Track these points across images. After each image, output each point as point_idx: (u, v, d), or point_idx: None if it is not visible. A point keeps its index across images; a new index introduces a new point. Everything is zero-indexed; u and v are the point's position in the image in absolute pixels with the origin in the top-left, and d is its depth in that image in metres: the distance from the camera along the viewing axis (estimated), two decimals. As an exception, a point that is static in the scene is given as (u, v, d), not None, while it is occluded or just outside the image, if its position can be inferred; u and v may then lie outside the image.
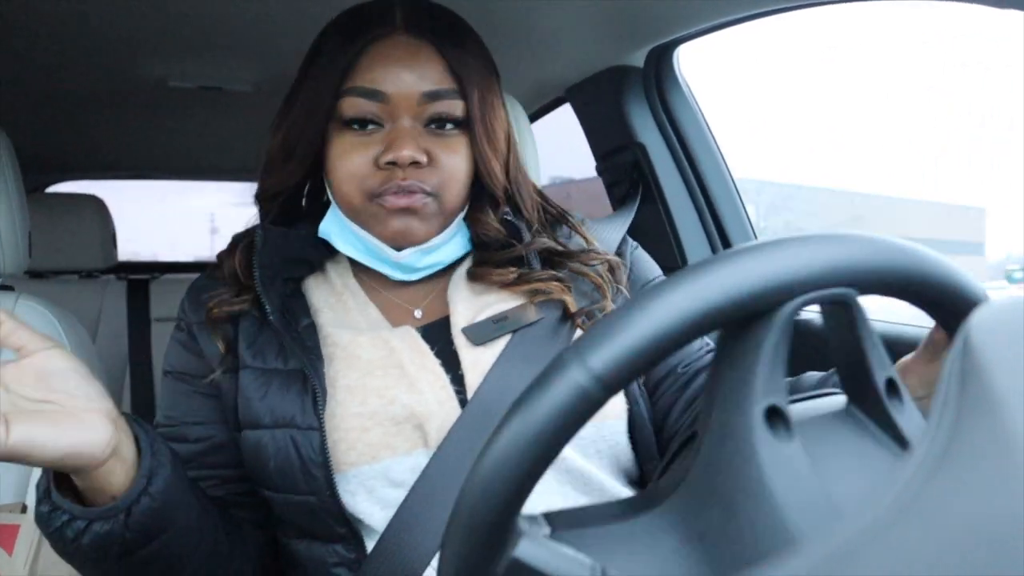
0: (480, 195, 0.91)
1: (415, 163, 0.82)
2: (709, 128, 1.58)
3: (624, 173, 1.60)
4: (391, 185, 0.83)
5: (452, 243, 0.91)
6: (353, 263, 0.94)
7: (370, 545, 0.82)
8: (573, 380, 0.40)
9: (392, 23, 0.85)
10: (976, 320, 0.32)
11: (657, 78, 1.55)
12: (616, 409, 0.88)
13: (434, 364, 0.85)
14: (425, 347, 0.86)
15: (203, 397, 0.89)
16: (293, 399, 0.82)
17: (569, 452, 0.83)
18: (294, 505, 0.82)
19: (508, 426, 0.41)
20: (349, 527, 0.82)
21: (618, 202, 1.64)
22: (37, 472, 1.13)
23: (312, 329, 0.87)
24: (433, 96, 0.84)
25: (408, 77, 0.84)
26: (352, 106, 0.84)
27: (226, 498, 0.87)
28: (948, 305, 0.47)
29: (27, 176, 1.30)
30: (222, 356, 0.87)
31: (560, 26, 1.38)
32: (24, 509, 1.08)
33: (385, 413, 0.81)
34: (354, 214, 0.87)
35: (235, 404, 0.86)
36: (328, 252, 0.94)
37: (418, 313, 0.92)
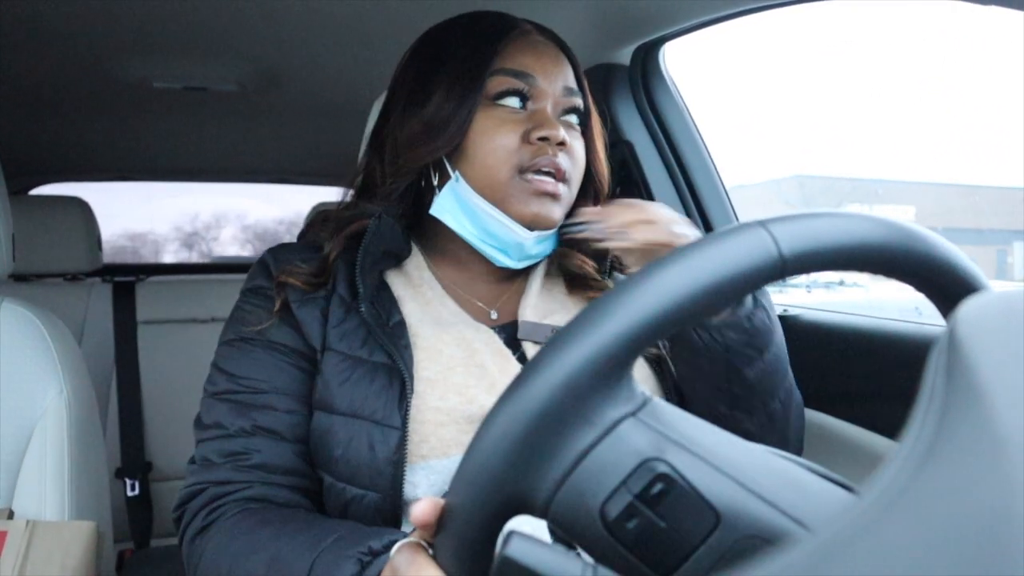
0: (585, 191, 0.98)
1: (562, 143, 0.88)
2: (696, 125, 1.58)
3: (612, 172, 1.60)
4: (543, 160, 0.87)
5: (553, 236, 0.95)
6: (428, 257, 0.97)
7: None
8: (764, 243, 0.41)
9: (525, 25, 0.95)
10: (962, 314, 0.33)
11: (643, 76, 1.55)
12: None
13: (516, 369, 0.86)
14: (507, 352, 0.88)
15: (295, 370, 0.88)
16: (376, 392, 0.82)
17: None
18: (350, 496, 0.82)
19: (689, 256, 0.42)
20: (396, 528, 0.81)
21: (605, 200, 1.64)
22: (26, 477, 1.12)
23: (402, 325, 0.87)
24: (570, 91, 0.93)
25: (552, 70, 0.92)
26: (504, 83, 0.89)
27: (303, 470, 0.86)
28: (948, 289, 0.47)
29: (10, 178, 1.29)
30: (323, 335, 0.87)
31: (545, 25, 1.38)
32: (11, 515, 1.07)
33: (463, 411, 0.82)
34: (492, 190, 0.89)
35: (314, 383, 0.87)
36: (409, 246, 0.97)
37: (494, 314, 0.95)
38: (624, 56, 1.54)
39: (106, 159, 2.50)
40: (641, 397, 0.44)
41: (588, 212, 0.84)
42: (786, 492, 0.41)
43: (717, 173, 1.58)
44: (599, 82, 1.57)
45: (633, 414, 0.43)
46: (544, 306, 0.94)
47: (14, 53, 1.46)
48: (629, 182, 1.58)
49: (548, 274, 1.00)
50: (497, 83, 0.89)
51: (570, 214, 0.96)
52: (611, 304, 0.41)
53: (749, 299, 0.84)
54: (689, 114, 1.58)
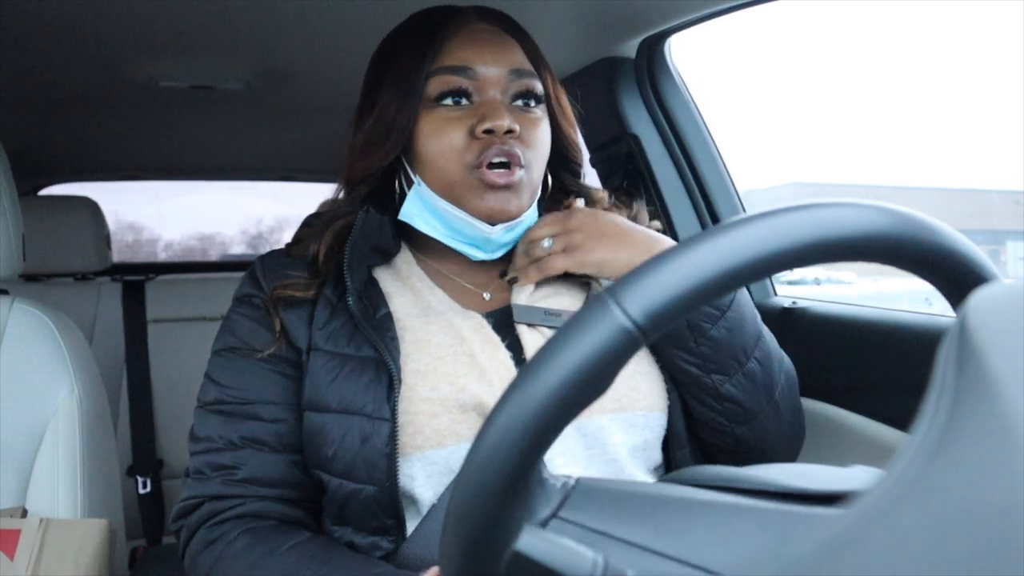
0: (560, 169, 0.99)
1: (510, 131, 0.86)
2: (702, 117, 1.57)
3: (618, 165, 1.60)
4: (491, 152, 0.86)
5: (528, 219, 0.94)
6: (416, 252, 0.96)
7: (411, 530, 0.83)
8: (613, 319, 0.39)
9: (467, 15, 0.93)
10: (973, 304, 0.33)
11: (649, 69, 1.54)
12: (661, 402, 0.89)
13: (504, 356, 0.87)
14: (496, 338, 0.88)
15: (281, 377, 0.88)
16: (365, 387, 0.83)
17: (619, 439, 0.85)
18: (348, 491, 0.82)
19: (543, 361, 0.40)
20: (397, 519, 0.82)
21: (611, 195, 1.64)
22: (38, 476, 1.13)
23: (388, 318, 0.87)
24: (518, 73, 0.90)
25: (494, 56, 0.90)
26: (442, 83, 0.88)
27: (294, 480, 0.87)
28: (957, 279, 0.46)
29: (19, 179, 1.29)
30: (309, 336, 0.88)
31: (551, 18, 1.38)
32: (25, 513, 1.08)
33: (455, 400, 0.82)
34: (449, 190, 0.88)
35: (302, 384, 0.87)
36: (398, 244, 0.97)
37: (487, 295, 0.95)
38: (630, 49, 1.53)
39: (114, 158, 2.50)
40: (560, 493, 0.44)
41: (546, 225, 0.92)
42: (718, 548, 0.41)
43: (724, 166, 1.58)
44: (604, 75, 1.56)
45: (554, 515, 0.43)
46: (539, 290, 0.94)
47: (21, 53, 1.46)
48: (635, 175, 1.58)
49: None
50: (437, 84, 0.88)
51: (549, 196, 0.98)
52: (488, 431, 0.40)
53: None
54: (696, 107, 1.57)
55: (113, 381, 2.14)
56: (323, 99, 1.91)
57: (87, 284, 2.25)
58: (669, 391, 0.91)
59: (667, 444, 0.91)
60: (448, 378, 0.83)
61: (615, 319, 0.39)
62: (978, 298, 0.33)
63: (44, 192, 2.73)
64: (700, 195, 1.56)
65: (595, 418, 0.84)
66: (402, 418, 0.82)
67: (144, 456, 2.15)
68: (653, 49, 1.52)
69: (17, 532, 1.01)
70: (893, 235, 0.43)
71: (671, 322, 0.40)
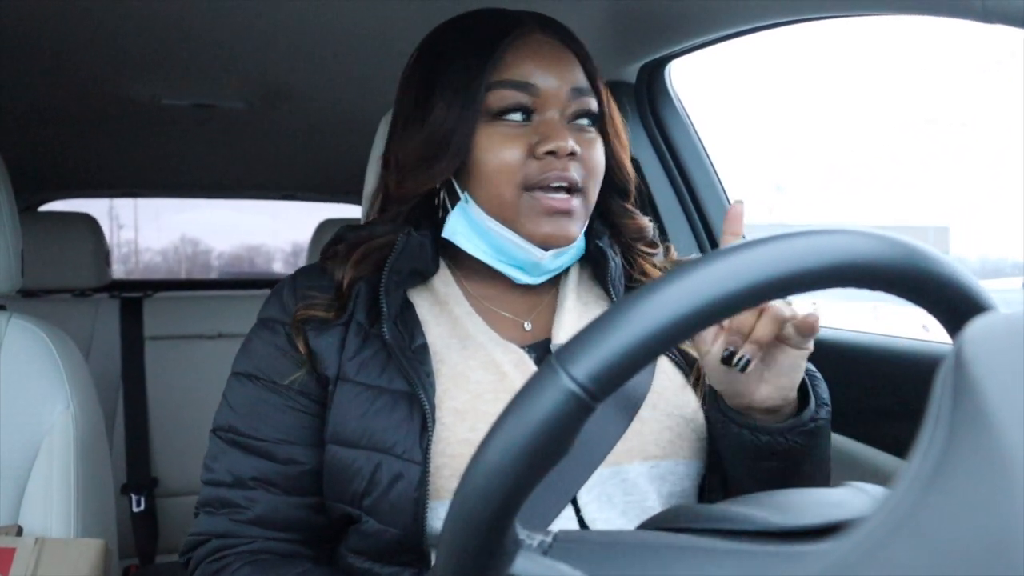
0: (609, 194, 0.94)
1: (572, 154, 0.82)
2: (702, 142, 1.58)
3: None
4: (551, 175, 0.82)
5: (576, 248, 0.90)
6: (455, 272, 0.91)
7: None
8: (560, 385, 0.39)
9: (527, 24, 0.88)
10: (969, 335, 0.33)
11: (649, 94, 1.56)
12: (703, 451, 0.85)
13: None
14: None
15: (300, 414, 0.83)
16: (396, 425, 0.78)
17: (657, 487, 0.81)
18: (372, 530, 0.79)
19: (497, 432, 0.40)
20: (421, 558, 0.79)
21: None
22: (32, 492, 1.12)
23: (425, 350, 0.82)
24: (579, 92, 0.86)
25: (556, 73, 0.85)
26: (503, 97, 0.83)
27: (303, 522, 0.84)
28: (955, 308, 0.46)
29: (19, 195, 1.30)
30: (339, 365, 0.82)
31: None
32: (20, 531, 1.07)
33: None
34: (501, 210, 0.84)
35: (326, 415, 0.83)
36: (436, 264, 0.91)
37: (528, 325, 0.90)
38: (630, 74, 1.54)
39: (115, 175, 2.51)
40: (538, 551, 0.44)
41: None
42: None
43: (723, 190, 1.58)
44: (605, 100, 1.57)
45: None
46: (582, 321, 0.88)
47: (24, 70, 1.47)
48: (634, 199, 1.59)
49: (582, 282, 0.95)
50: (497, 97, 0.83)
51: (615, 214, 0.95)
52: (456, 501, 0.40)
53: (813, 401, 0.78)
54: (695, 131, 1.58)
55: (109, 398, 2.13)
56: (323, 119, 1.92)
57: (85, 300, 2.25)
58: (712, 438, 0.86)
59: (701, 488, 0.87)
60: (487, 418, 0.77)
61: (562, 385, 0.39)
62: (975, 328, 0.33)
63: (44, 208, 2.73)
64: (699, 219, 1.56)
65: (636, 465, 0.81)
66: (438, 460, 0.77)
67: (139, 474, 2.14)
68: (653, 74, 1.53)
69: (12, 550, 1.00)
70: (889, 263, 0.43)
71: (621, 381, 0.39)
